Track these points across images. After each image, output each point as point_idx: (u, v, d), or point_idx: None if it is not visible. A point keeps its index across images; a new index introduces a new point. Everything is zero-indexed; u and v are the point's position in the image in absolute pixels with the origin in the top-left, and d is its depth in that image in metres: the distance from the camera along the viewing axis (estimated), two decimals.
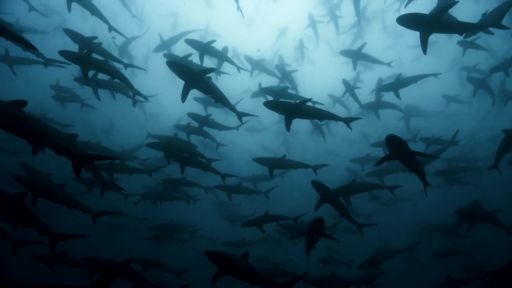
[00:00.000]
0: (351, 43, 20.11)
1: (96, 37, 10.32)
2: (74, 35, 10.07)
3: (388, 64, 14.80)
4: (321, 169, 11.24)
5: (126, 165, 11.29)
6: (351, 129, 9.73)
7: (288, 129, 8.72)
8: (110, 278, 4.22)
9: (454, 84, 19.98)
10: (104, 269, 9.57)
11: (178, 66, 8.50)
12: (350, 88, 14.62)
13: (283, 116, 8.79)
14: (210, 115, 13.00)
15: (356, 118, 9.59)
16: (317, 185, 8.83)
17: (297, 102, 8.75)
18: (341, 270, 13.83)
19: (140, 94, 11.09)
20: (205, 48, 11.92)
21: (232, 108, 9.69)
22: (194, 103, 14.11)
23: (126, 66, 10.92)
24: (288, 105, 8.65)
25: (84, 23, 15.73)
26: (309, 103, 8.91)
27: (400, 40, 22.30)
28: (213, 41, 11.89)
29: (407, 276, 19.97)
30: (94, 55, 9.22)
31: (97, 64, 9.40)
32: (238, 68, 13.68)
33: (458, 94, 18.68)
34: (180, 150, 10.81)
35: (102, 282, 4.16)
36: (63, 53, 8.75)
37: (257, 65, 16.09)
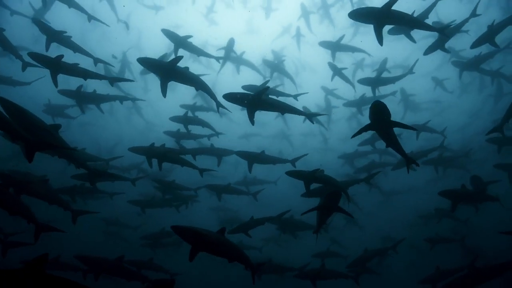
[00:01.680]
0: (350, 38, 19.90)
1: (65, 32, 10.10)
2: (43, 27, 9.92)
3: (368, 54, 15.30)
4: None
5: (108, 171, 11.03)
6: (313, 123, 9.71)
7: (252, 122, 8.59)
8: (46, 259, 4.13)
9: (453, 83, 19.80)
10: (97, 266, 9.60)
11: (149, 61, 8.56)
12: (337, 70, 14.29)
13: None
14: (187, 112, 13.12)
15: (321, 114, 9.53)
16: (291, 173, 8.88)
17: (254, 93, 8.62)
18: (340, 263, 13.84)
19: (120, 80, 10.86)
20: (181, 42, 11.65)
21: (213, 96, 9.55)
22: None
23: (97, 62, 10.75)
24: (247, 97, 8.53)
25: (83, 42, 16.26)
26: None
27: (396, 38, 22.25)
28: (189, 36, 11.64)
29: (410, 265, 19.94)
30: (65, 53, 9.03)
31: (67, 68, 9.03)
32: (217, 59, 13.62)
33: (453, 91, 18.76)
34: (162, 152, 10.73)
35: (37, 262, 4.08)
36: (32, 55, 8.51)
37: (242, 61, 15.77)
